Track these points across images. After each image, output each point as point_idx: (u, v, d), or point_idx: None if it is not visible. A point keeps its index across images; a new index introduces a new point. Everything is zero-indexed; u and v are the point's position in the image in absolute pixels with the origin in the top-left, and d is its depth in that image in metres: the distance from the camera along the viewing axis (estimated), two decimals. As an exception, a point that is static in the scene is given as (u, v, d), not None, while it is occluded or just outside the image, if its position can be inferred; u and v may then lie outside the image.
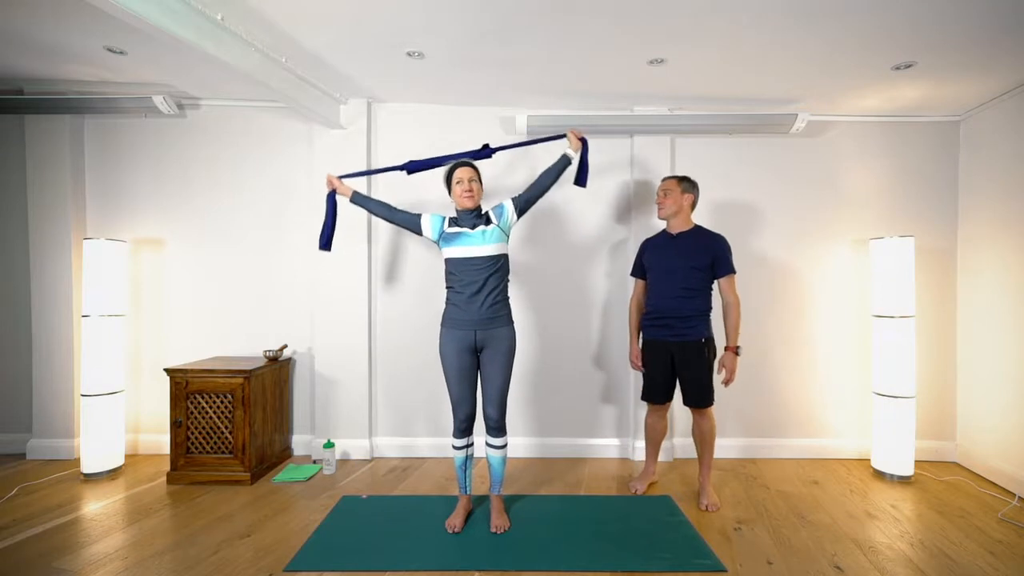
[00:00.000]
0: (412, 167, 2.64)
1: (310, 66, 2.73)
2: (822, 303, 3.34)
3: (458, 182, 2.33)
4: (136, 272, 3.33)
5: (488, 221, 2.36)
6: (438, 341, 2.40)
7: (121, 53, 2.63)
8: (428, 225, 2.40)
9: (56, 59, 2.73)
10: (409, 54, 2.59)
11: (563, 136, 2.64)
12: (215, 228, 3.34)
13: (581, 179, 2.68)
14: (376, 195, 3.28)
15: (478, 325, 2.30)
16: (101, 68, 2.84)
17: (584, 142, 2.58)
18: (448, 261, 2.36)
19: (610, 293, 3.33)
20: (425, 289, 3.27)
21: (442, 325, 2.39)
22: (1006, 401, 2.92)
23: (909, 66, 2.61)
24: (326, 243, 2.64)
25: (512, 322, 2.39)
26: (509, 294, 2.44)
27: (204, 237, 3.34)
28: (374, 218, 3.29)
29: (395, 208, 2.50)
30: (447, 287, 2.39)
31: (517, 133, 3.20)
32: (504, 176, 3.25)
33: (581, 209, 3.27)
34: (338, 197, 2.61)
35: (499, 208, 2.40)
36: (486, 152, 2.62)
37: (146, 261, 3.34)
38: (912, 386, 2.98)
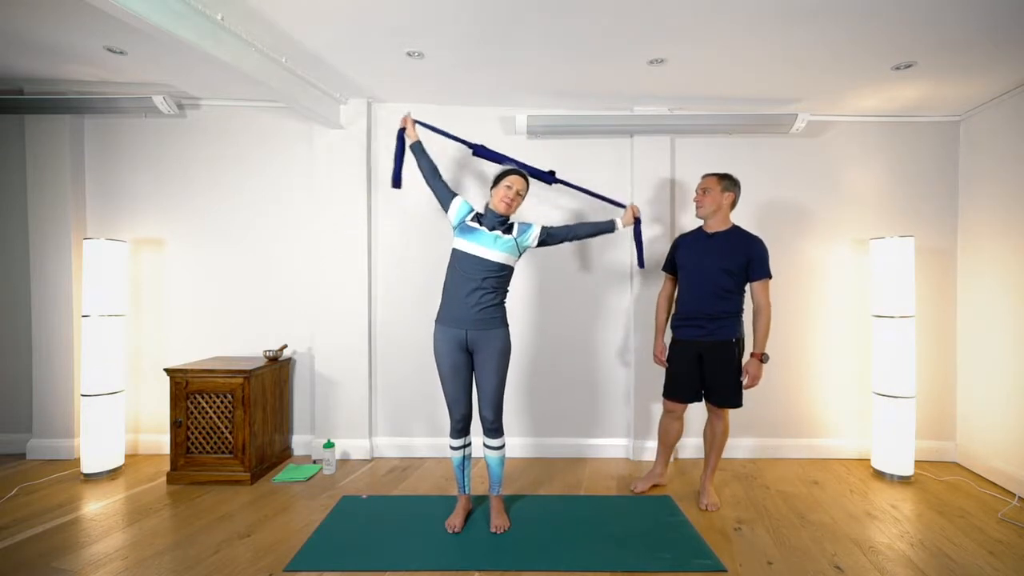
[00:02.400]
0: (479, 151, 2.71)
1: (310, 66, 2.73)
2: (822, 303, 3.34)
3: (508, 187, 2.32)
4: (136, 272, 3.33)
5: (508, 231, 2.35)
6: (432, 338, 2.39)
7: (121, 53, 2.63)
8: (456, 208, 2.40)
9: (56, 59, 2.73)
10: (409, 54, 2.59)
11: (623, 205, 2.73)
12: (215, 228, 3.34)
13: (639, 260, 2.78)
14: (375, 197, 3.29)
15: (469, 325, 2.29)
16: (101, 68, 2.84)
17: (638, 220, 2.63)
18: (454, 251, 2.35)
19: (611, 293, 3.33)
20: (425, 289, 3.26)
21: (435, 321, 2.38)
22: (1006, 401, 2.92)
23: (909, 66, 2.61)
24: (396, 181, 2.66)
25: (506, 325, 2.37)
26: (510, 295, 2.43)
27: (204, 237, 3.34)
28: (374, 219, 3.30)
29: (440, 175, 2.48)
30: (444, 283, 2.38)
31: (517, 133, 3.20)
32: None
33: (583, 209, 3.27)
34: (406, 137, 2.60)
35: (526, 226, 2.40)
36: (548, 177, 2.69)
37: (146, 261, 3.34)
38: (912, 386, 2.99)
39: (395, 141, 2.66)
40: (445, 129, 2.74)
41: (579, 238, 2.52)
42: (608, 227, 2.53)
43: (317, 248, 3.25)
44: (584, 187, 2.86)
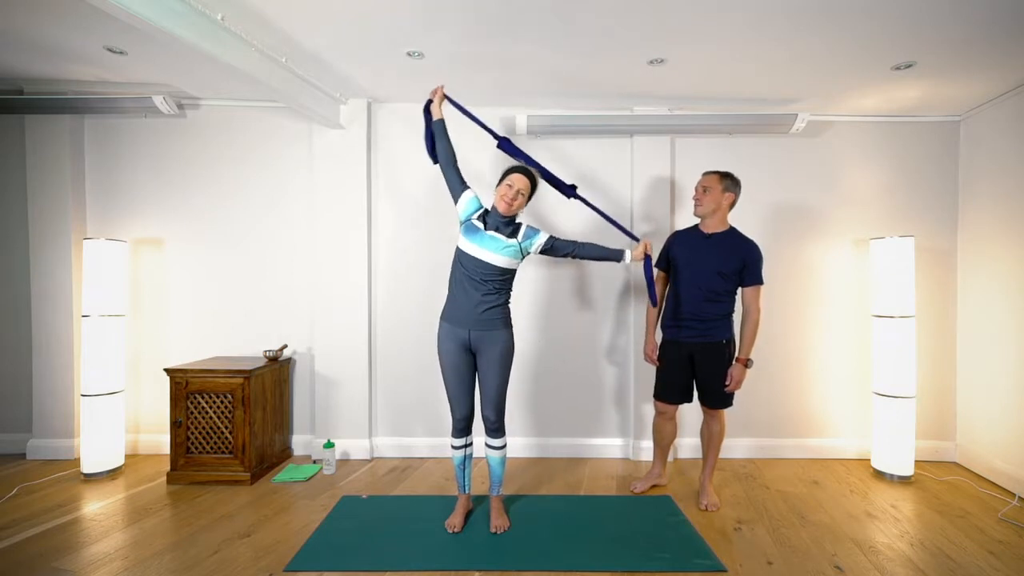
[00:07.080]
0: (504, 144, 2.52)
1: (310, 66, 2.73)
2: (822, 303, 3.33)
3: (509, 185, 2.25)
4: (136, 272, 3.33)
5: (514, 234, 2.30)
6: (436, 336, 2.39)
7: (121, 53, 2.63)
8: (465, 202, 2.34)
9: (56, 59, 2.73)
10: (409, 54, 2.59)
11: (636, 239, 2.56)
12: (215, 228, 3.34)
13: (652, 298, 2.61)
14: (376, 197, 3.29)
15: (472, 325, 2.28)
16: (101, 68, 2.84)
17: (648, 258, 2.50)
18: (457, 250, 2.33)
19: (611, 293, 3.33)
20: (425, 289, 3.26)
21: (440, 318, 2.37)
22: (1006, 401, 2.92)
23: (909, 66, 2.61)
24: (432, 156, 2.47)
25: (509, 326, 2.35)
26: (512, 298, 2.41)
27: (204, 237, 3.34)
28: (374, 220, 3.30)
29: (455, 163, 2.37)
30: (449, 280, 2.37)
31: (517, 133, 3.19)
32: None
33: (583, 209, 3.26)
34: (432, 112, 2.43)
35: (533, 231, 2.34)
36: (569, 190, 2.55)
37: (146, 261, 3.34)
38: (912, 386, 2.98)
39: (423, 115, 2.49)
40: (463, 120, 2.53)
41: (583, 258, 2.43)
42: (616, 256, 2.43)
43: (317, 248, 3.25)
44: (602, 210, 2.66)
